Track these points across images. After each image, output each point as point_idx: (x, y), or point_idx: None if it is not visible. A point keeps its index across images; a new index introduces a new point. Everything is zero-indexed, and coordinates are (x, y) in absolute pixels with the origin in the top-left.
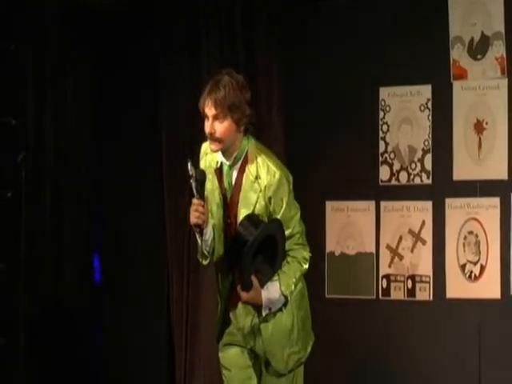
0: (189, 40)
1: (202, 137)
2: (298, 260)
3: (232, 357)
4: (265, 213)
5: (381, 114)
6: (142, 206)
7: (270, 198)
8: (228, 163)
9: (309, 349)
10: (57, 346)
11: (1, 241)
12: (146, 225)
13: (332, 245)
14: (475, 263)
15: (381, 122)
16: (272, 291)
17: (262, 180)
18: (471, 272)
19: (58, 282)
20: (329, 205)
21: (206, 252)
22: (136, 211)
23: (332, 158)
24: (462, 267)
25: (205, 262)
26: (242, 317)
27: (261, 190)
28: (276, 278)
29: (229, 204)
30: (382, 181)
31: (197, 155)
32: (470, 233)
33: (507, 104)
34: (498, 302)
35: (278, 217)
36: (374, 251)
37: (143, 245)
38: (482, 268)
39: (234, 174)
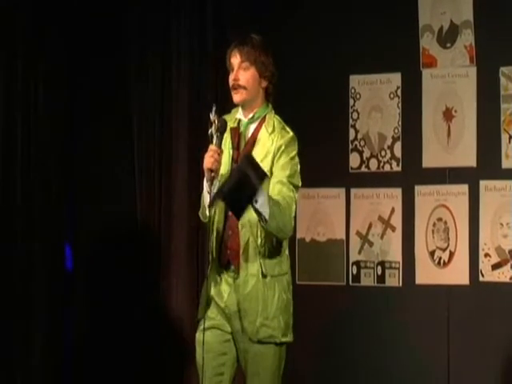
0: (161, 30)
1: (172, 122)
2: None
3: (208, 341)
4: (271, 163)
5: (351, 101)
6: (114, 193)
7: (279, 147)
8: (246, 119)
9: (283, 339)
10: (29, 333)
11: None
12: (118, 212)
13: (302, 231)
14: (444, 250)
15: (351, 110)
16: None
17: (275, 134)
18: (440, 258)
19: (30, 271)
20: (299, 192)
21: (209, 205)
22: (108, 198)
23: (302, 145)
24: (431, 253)
25: (206, 220)
26: (226, 292)
27: (273, 143)
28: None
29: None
30: (352, 168)
31: (167, 140)
32: (439, 219)
33: (476, 92)
34: (466, 287)
35: (281, 160)
36: (344, 238)
37: (115, 231)
38: (451, 254)
39: (251, 130)
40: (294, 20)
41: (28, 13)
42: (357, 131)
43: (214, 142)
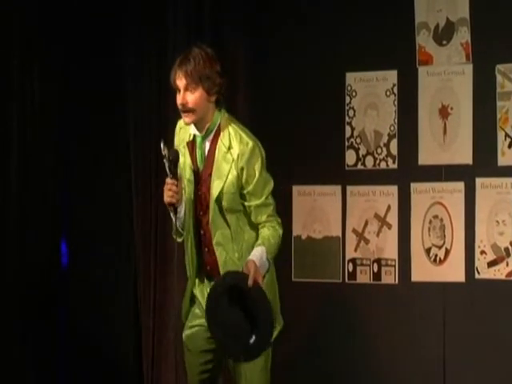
0: (155, 26)
1: (169, 121)
2: (275, 228)
3: (194, 339)
4: (236, 184)
5: (347, 99)
6: (109, 190)
7: (242, 169)
8: (200, 135)
9: (275, 333)
10: (24, 329)
11: None
12: (114, 209)
13: (298, 229)
14: (440, 247)
15: (347, 107)
16: (258, 255)
17: (234, 150)
18: (436, 256)
19: (25, 267)
20: (295, 189)
21: (180, 229)
22: (103, 195)
23: (298, 142)
24: (427, 251)
25: (179, 240)
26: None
27: (233, 160)
28: (260, 242)
29: (201, 176)
30: (348, 165)
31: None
32: (435, 217)
33: (472, 89)
34: (462, 285)
35: (250, 187)
36: (340, 235)
37: (110, 228)
38: (447, 252)
39: (207, 145)
40: (291, 18)
41: (27, 13)
42: (353, 128)
43: (169, 174)
